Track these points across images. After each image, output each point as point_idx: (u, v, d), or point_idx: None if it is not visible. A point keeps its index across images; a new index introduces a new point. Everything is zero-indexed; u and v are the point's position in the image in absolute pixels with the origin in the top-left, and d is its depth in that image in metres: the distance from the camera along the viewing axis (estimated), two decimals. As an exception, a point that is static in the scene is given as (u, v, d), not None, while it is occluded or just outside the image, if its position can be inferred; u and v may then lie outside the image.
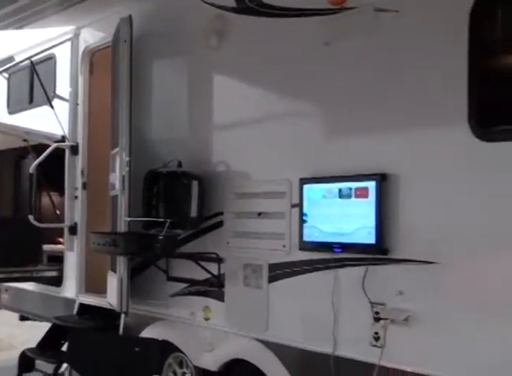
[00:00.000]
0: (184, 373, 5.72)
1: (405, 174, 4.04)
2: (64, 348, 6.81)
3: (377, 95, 4.19)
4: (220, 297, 5.24)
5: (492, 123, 3.72)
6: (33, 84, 7.54)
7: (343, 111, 4.41)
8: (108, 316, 6.14)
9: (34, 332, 7.89)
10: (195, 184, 5.28)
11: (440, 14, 3.92)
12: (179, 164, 5.46)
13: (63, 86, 7.11)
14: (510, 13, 3.77)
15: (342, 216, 4.32)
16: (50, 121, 6.96)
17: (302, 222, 4.53)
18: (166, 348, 5.74)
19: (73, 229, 6.98)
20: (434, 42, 3.94)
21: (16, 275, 7.14)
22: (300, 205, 4.55)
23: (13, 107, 8.07)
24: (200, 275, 5.36)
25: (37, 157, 6.64)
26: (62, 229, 7.18)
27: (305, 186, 4.52)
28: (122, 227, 5.57)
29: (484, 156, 3.69)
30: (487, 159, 3.68)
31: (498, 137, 3.66)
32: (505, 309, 3.55)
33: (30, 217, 6.58)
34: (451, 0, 3.86)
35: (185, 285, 5.55)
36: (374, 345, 4.12)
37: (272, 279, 4.82)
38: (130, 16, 5.73)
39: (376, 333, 4.10)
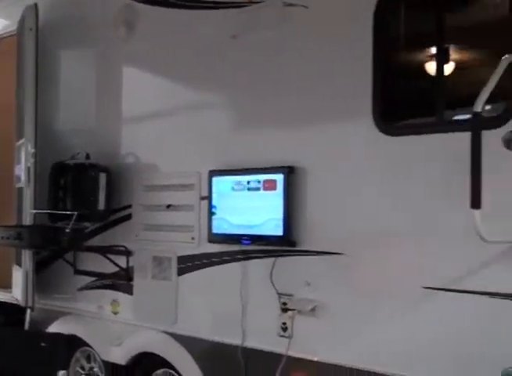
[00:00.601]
0: (92, 367, 5.65)
1: (312, 167, 4.10)
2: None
3: (284, 88, 4.24)
4: (128, 290, 5.19)
5: (395, 117, 3.83)
6: None
7: (251, 104, 4.44)
8: (14, 311, 5.99)
9: None
10: (103, 176, 5.22)
11: (347, 10, 3.99)
12: (87, 156, 5.37)
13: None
14: (413, 10, 3.88)
15: (251, 208, 4.35)
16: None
17: (211, 214, 4.54)
18: (73, 342, 5.65)
19: (-24, 222, 6.76)
20: (341, 38, 4.01)
21: None
22: (209, 197, 4.56)
23: None
24: (108, 268, 5.30)
25: None
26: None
27: (214, 179, 4.53)
28: (27, 220, 5.45)
29: (388, 149, 3.78)
30: (390, 153, 3.78)
31: (400, 131, 3.76)
32: (406, 297, 3.65)
33: None
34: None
35: (93, 279, 5.48)
36: (282, 336, 4.17)
37: (181, 271, 4.81)
38: (35, 4, 5.59)
39: (284, 323, 4.16)
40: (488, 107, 3.39)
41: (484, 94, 3.05)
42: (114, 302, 5.32)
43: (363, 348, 3.82)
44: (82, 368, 5.72)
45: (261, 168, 4.27)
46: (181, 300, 4.84)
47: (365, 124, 3.83)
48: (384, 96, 3.80)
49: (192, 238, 4.72)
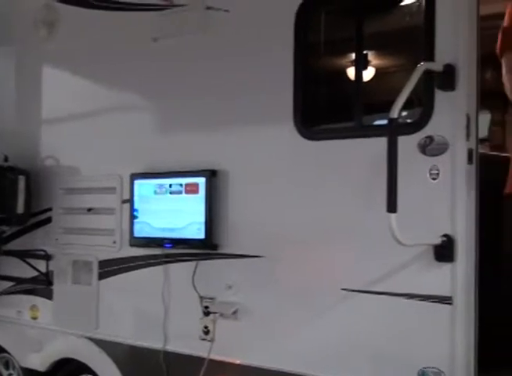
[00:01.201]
0: (10, 374, 5.52)
1: (234, 170, 4.11)
2: None
3: (207, 92, 4.24)
4: (48, 295, 5.10)
5: (315, 122, 3.88)
6: None
7: (173, 107, 4.43)
8: None
9: None
10: (22, 179, 5.11)
11: (268, 15, 4.02)
12: (5, 159, 5.24)
13: None
14: (333, 17, 3.95)
15: (173, 212, 4.33)
16: None
17: (133, 217, 4.50)
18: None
19: None
20: (263, 42, 4.04)
21: None
22: (131, 201, 4.52)
23: None
24: (27, 273, 5.20)
25: None
26: None
27: (136, 182, 4.50)
28: None
29: (308, 154, 3.82)
30: (311, 157, 3.82)
31: (321, 136, 3.82)
32: (325, 299, 3.70)
33: None
34: (278, 2, 3.97)
35: (12, 283, 5.36)
36: (204, 339, 4.17)
37: (103, 275, 4.76)
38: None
39: (206, 327, 4.16)
40: (404, 113, 3.49)
41: (400, 100, 3.12)
42: (34, 307, 5.22)
43: (285, 351, 3.85)
44: (0, 375, 5.59)
45: (184, 172, 4.26)
46: (102, 304, 4.78)
47: (287, 129, 3.86)
48: (304, 101, 3.85)
49: (114, 242, 4.68)
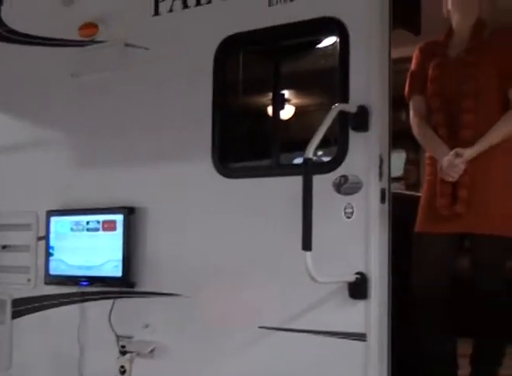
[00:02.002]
0: None
1: (153, 207, 4.09)
2: None
3: (126, 128, 4.23)
4: (-40, 334, 4.93)
5: (233, 160, 3.91)
6: None
7: (91, 143, 4.39)
8: None
9: None
10: None
11: (188, 54, 4.04)
12: None
13: None
14: (251, 57, 4.01)
15: (90, 249, 4.27)
16: None
17: (48, 255, 4.42)
18: None
19: None
20: (182, 80, 4.05)
21: None
22: (46, 238, 4.43)
23: None
24: None
25: None
26: None
27: (52, 219, 4.42)
28: None
29: (226, 191, 3.84)
30: (229, 195, 3.84)
31: (239, 174, 3.85)
32: (243, 337, 3.70)
33: None
34: (198, 42, 4.01)
35: None
36: (120, 379, 4.10)
37: (16, 314, 4.63)
38: None
39: (123, 366, 4.09)
40: (319, 153, 3.56)
41: (315, 141, 3.17)
42: None
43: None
44: None
45: (101, 209, 4.21)
46: (16, 344, 4.64)
47: (205, 166, 3.87)
48: (223, 139, 3.88)
49: (29, 280, 4.57)
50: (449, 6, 3.43)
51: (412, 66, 3.59)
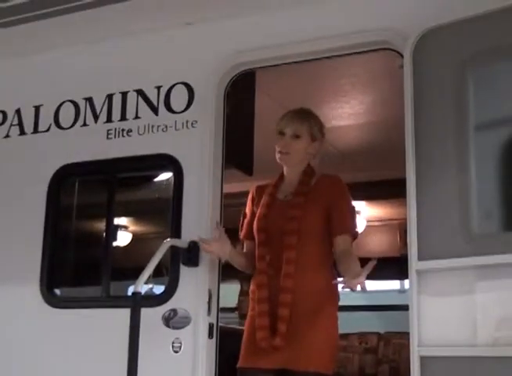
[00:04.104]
0: None
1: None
2: None
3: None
4: None
5: (62, 289, 3.82)
6: None
7: None
8: None
9: None
10: None
11: (24, 178, 4.00)
12: None
13: None
14: (86, 185, 4.02)
15: None
16: None
17: None
18: None
19: None
20: (17, 202, 3.99)
21: None
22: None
23: None
24: None
25: None
26: None
27: None
28: None
29: (54, 322, 3.72)
30: (57, 325, 3.71)
31: (67, 304, 3.75)
32: None
33: None
34: (34, 167, 3.97)
35: None
36: None
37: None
38: None
39: None
40: (150, 286, 3.55)
41: (144, 275, 3.16)
42: None
43: None
44: None
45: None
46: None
47: (32, 295, 3.76)
48: (52, 266, 3.79)
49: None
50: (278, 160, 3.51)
51: (246, 209, 3.60)
